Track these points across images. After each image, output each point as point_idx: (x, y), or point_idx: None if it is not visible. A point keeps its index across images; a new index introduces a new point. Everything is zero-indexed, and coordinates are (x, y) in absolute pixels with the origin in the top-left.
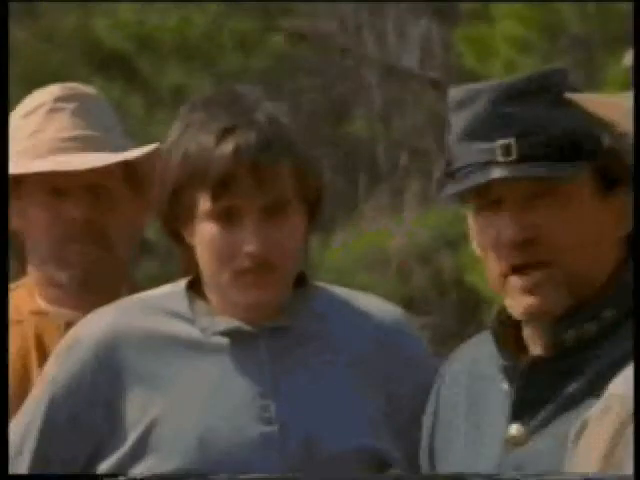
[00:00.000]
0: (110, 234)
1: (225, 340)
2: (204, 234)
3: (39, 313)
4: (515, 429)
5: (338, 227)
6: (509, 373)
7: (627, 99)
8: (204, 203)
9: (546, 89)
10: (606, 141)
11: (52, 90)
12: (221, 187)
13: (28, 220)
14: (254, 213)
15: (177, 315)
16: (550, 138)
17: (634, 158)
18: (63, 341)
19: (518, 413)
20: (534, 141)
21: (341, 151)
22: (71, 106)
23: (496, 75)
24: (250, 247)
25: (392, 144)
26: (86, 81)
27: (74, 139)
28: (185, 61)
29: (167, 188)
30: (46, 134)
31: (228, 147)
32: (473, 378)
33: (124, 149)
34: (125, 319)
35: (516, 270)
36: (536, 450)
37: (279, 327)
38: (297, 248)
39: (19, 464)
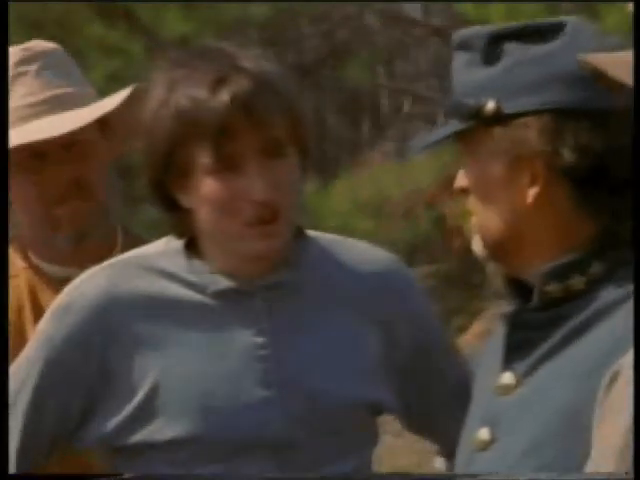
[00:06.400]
0: (94, 186)
1: (223, 300)
2: (206, 189)
3: (32, 268)
4: (505, 377)
5: (341, 172)
6: (504, 319)
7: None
8: (203, 157)
9: (468, 48)
10: (489, 106)
11: (12, 54)
12: (221, 137)
13: (14, 186)
14: (255, 159)
15: (173, 276)
16: (454, 100)
17: (633, 156)
18: (58, 300)
19: (508, 360)
20: (448, 103)
21: (344, 97)
22: (34, 67)
23: (497, 21)
24: (257, 194)
25: (395, 90)
26: (87, 26)
27: (44, 102)
28: (185, 8)
29: (159, 150)
30: (14, 102)
31: (224, 97)
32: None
33: (93, 100)
34: (121, 280)
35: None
36: (519, 400)
37: (276, 283)
38: (298, 190)
39: (13, 418)
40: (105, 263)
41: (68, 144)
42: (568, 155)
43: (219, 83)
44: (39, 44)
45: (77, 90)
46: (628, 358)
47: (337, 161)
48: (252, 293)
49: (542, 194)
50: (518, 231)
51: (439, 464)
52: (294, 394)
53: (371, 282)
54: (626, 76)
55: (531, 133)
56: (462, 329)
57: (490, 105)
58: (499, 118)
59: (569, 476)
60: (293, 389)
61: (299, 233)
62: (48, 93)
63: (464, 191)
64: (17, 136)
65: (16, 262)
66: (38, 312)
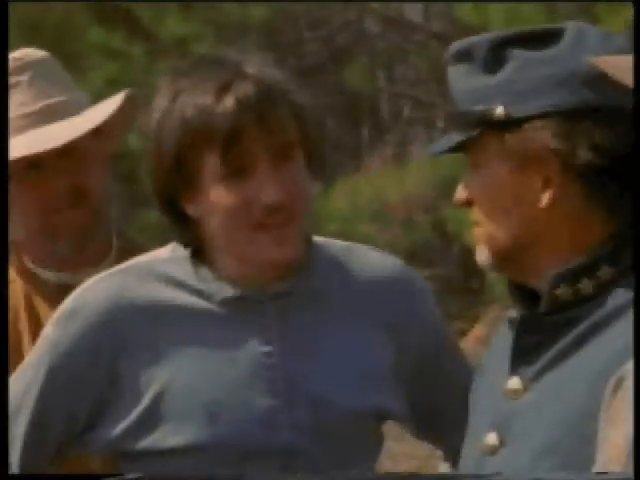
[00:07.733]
0: (92, 193)
1: (230, 308)
2: (216, 196)
3: (28, 274)
4: (513, 382)
5: (341, 177)
6: (512, 325)
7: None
8: (212, 164)
9: (468, 58)
10: (498, 111)
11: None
12: (229, 142)
13: (11, 197)
14: (264, 163)
15: (180, 283)
16: (456, 110)
17: (634, 156)
18: (63, 306)
19: (516, 365)
20: (450, 113)
21: (343, 102)
22: (26, 77)
23: (497, 24)
24: (268, 197)
25: (395, 94)
26: (87, 30)
27: (39, 112)
28: (185, 10)
29: (166, 161)
30: (10, 112)
31: (229, 101)
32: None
33: (86, 106)
34: (127, 286)
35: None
36: (528, 404)
37: (284, 291)
38: (308, 192)
39: (16, 424)
40: (110, 270)
41: (63, 152)
42: (584, 154)
43: (223, 89)
44: (29, 53)
45: (70, 98)
46: (631, 364)
47: (337, 165)
48: (260, 301)
49: (556, 196)
50: (530, 237)
51: (445, 470)
52: (301, 402)
53: (379, 289)
54: (628, 79)
55: (544, 134)
56: (462, 334)
57: (499, 110)
58: (508, 123)
59: (577, 477)
60: (300, 397)
61: (307, 240)
62: (42, 103)
63: (468, 203)
64: (15, 148)
65: (12, 267)
66: (34, 317)
